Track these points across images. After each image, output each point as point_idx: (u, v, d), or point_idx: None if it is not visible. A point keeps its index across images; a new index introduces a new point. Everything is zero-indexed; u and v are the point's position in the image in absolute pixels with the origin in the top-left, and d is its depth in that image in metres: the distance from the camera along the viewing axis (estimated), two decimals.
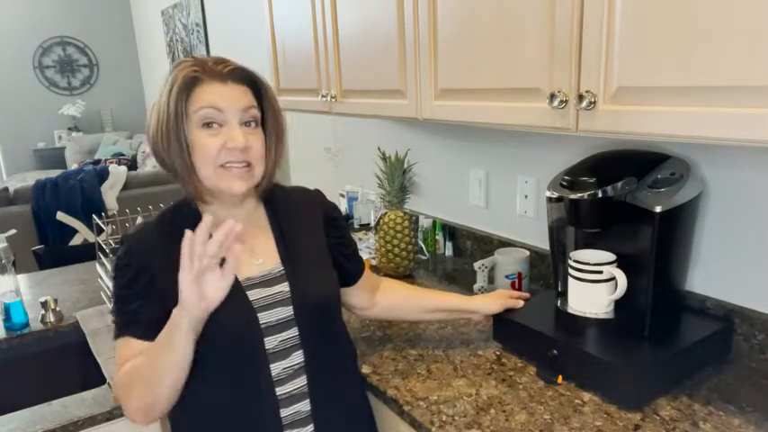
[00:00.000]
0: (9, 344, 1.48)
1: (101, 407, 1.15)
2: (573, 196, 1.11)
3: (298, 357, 0.99)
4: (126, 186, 3.95)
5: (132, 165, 5.51)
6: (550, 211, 1.25)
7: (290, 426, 0.98)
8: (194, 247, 0.83)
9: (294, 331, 0.99)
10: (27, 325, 1.52)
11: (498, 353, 1.23)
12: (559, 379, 1.10)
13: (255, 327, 0.96)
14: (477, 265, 1.53)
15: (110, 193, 3.86)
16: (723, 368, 1.12)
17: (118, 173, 3.97)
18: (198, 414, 0.98)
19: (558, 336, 1.12)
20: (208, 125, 0.93)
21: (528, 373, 1.14)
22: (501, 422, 0.99)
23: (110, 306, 1.55)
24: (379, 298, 1.24)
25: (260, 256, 1.02)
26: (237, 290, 0.96)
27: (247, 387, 0.97)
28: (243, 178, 0.95)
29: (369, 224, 2.12)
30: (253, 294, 0.98)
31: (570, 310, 1.17)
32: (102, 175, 3.90)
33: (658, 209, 1.06)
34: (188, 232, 0.84)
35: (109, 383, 1.22)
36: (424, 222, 1.90)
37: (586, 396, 1.05)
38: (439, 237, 1.89)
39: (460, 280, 1.67)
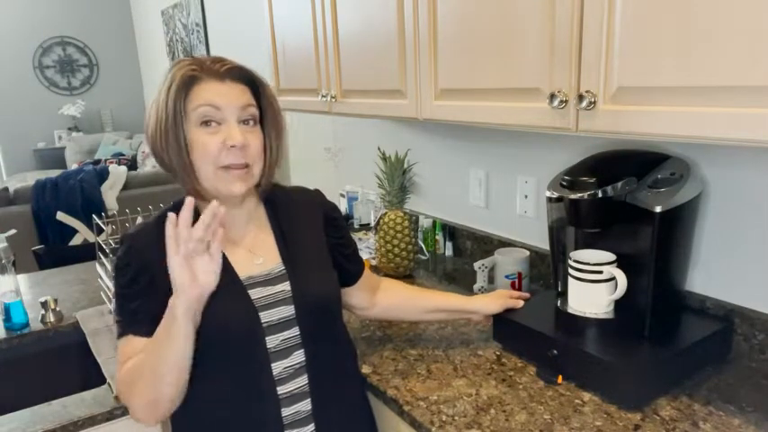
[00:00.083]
0: (9, 344, 1.48)
1: (101, 407, 1.15)
2: (573, 196, 1.11)
3: (299, 357, 0.99)
4: (126, 186, 3.95)
5: (132, 165, 5.51)
6: (550, 211, 1.25)
7: (290, 425, 0.98)
8: (180, 231, 0.85)
9: (295, 330, 0.99)
10: (27, 325, 1.52)
11: (498, 353, 1.23)
12: (559, 379, 1.10)
13: (257, 326, 0.96)
14: (477, 265, 1.53)
15: (110, 193, 3.86)
16: (723, 368, 1.12)
17: (118, 173, 3.97)
18: (199, 413, 0.98)
19: (558, 336, 1.12)
20: (206, 123, 0.93)
21: (528, 373, 1.14)
22: (501, 422, 0.99)
23: (110, 306, 1.55)
24: (379, 298, 1.24)
25: (261, 255, 1.02)
26: (239, 289, 0.97)
27: (248, 386, 0.97)
28: (242, 179, 0.95)
29: (369, 224, 2.12)
30: (254, 293, 0.98)
31: (570, 310, 1.17)
32: (102, 175, 3.90)
33: (658, 209, 1.06)
34: (171, 215, 0.85)
35: (109, 383, 1.22)
36: (424, 222, 1.90)
37: (586, 396, 1.05)
38: (439, 237, 1.89)
39: (460, 280, 1.66)
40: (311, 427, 1.00)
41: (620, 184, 1.09)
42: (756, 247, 1.12)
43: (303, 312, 1.00)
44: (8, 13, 5.90)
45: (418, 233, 1.86)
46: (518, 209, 1.64)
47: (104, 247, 1.55)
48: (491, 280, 1.54)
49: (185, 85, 0.92)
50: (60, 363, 1.53)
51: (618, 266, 1.11)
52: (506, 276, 1.47)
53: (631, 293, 1.09)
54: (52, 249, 2.48)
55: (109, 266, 1.54)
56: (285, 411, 0.98)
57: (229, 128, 0.93)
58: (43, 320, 1.53)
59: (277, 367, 0.97)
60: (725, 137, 0.77)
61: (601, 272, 1.11)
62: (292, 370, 0.99)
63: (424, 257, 1.85)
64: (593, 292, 1.13)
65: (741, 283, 1.15)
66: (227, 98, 0.93)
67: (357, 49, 1.55)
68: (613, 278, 1.10)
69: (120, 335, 0.95)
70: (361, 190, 2.21)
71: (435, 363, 1.20)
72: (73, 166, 5.06)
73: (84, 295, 1.73)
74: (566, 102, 0.97)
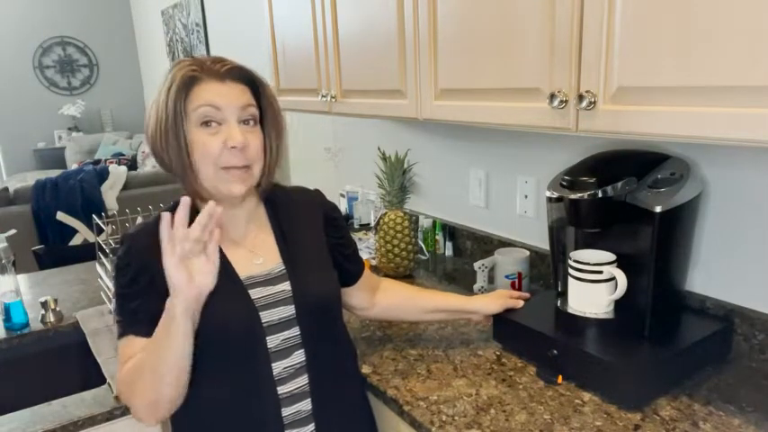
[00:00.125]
0: (9, 344, 1.48)
1: (101, 407, 1.15)
2: (573, 196, 1.11)
3: (299, 356, 0.99)
4: (126, 186, 3.95)
5: (132, 165, 5.51)
6: (550, 211, 1.25)
7: (290, 425, 0.98)
8: (176, 231, 0.84)
9: (295, 330, 0.99)
10: (27, 325, 1.52)
11: (498, 353, 1.23)
12: (559, 379, 1.10)
13: (257, 325, 0.96)
14: (477, 265, 1.53)
15: (110, 193, 3.86)
16: (723, 368, 1.12)
17: (118, 173, 3.97)
18: (199, 413, 0.98)
19: (558, 336, 1.12)
20: (206, 123, 0.93)
21: (528, 373, 1.14)
22: (501, 422, 0.99)
23: (110, 306, 1.55)
24: (379, 298, 1.24)
25: (261, 255, 1.02)
26: (239, 289, 0.97)
27: (249, 386, 0.97)
28: (242, 180, 0.95)
29: (369, 224, 2.12)
30: (254, 293, 0.98)
31: (570, 310, 1.17)
32: (102, 175, 3.90)
33: (658, 209, 1.06)
34: (165, 215, 0.85)
35: (109, 383, 1.22)
36: (424, 222, 1.90)
37: (586, 396, 1.05)
38: (439, 237, 1.89)
39: (460, 280, 1.66)
40: (311, 426, 1.00)
41: (620, 184, 1.09)
42: (756, 247, 1.12)
43: (303, 312, 1.00)
44: (8, 13, 5.90)
45: (418, 233, 1.86)
46: (518, 209, 1.64)
47: (104, 247, 1.55)
48: (491, 280, 1.54)
49: (185, 86, 0.92)
50: (60, 363, 1.53)
51: (618, 266, 1.11)
52: (506, 276, 1.47)
53: (631, 293, 1.09)
54: (52, 249, 2.48)
55: (109, 266, 1.54)
56: (285, 411, 0.98)
57: (230, 128, 0.93)
58: (43, 320, 1.53)
59: (277, 367, 0.97)
60: (725, 137, 0.77)
61: (601, 272, 1.11)
62: (293, 370, 0.99)
63: (424, 257, 1.85)
64: (593, 292, 1.13)
65: (741, 283, 1.15)
66: (227, 98, 0.93)
67: (357, 49, 1.55)
68: (613, 278, 1.10)
69: (121, 335, 0.95)
70: (361, 190, 2.21)
71: (435, 363, 1.20)
72: (73, 166, 5.06)
73: (84, 295, 1.73)
74: (566, 102, 0.97)
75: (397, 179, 1.67)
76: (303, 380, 0.99)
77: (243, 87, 0.96)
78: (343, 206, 2.24)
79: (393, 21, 1.37)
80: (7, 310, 1.49)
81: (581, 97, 0.93)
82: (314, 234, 1.09)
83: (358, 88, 1.59)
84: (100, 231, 1.64)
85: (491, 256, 1.53)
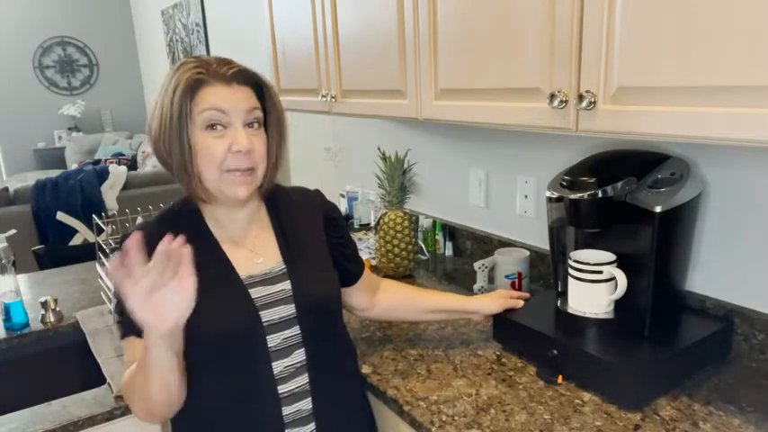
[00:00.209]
0: (9, 344, 1.48)
1: (101, 407, 1.15)
2: (573, 196, 1.11)
3: (299, 356, 0.99)
4: (126, 186, 3.95)
5: (132, 165, 5.51)
6: (550, 211, 1.25)
7: (291, 424, 0.98)
8: (131, 270, 0.75)
9: (296, 329, 0.99)
10: (27, 325, 1.52)
11: (498, 353, 1.23)
12: (559, 379, 1.10)
13: (258, 325, 0.96)
14: (477, 265, 1.53)
15: (110, 193, 3.86)
16: (723, 368, 1.12)
17: (118, 173, 3.97)
18: (199, 412, 0.98)
19: (558, 336, 1.12)
20: (212, 127, 0.92)
21: (528, 373, 1.14)
22: (501, 422, 0.99)
23: (110, 306, 1.55)
24: (379, 298, 1.24)
25: (261, 254, 1.02)
26: (239, 288, 0.97)
27: (249, 385, 0.97)
28: (246, 183, 0.95)
29: (369, 224, 2.12)
30: (255, 293, 0.98)
31: (570, 310, 1.17)
32: (102, 175, 3.90)
33: (658, 209, 1.06)
34: (116, 258, 0.75)
35: (109, 383, 1.22)
36: (424, 222, 1.90)
37: (586, 396, 1.05)
38: (439, 237, 1.89)
39: (460, 280, 1.66)
40: (312, 426, 1.00)
41: (620, 184, 1.09)
42: (756, 247, 1.12)
43: (304, 311, 1.00)
44: (8, 13, 5.90)
45: (418, 233, 1.86)
46: (518, 209, 1.64)
47: (104, 247, 1.55)
48: (491, 280, 1.54)
49: (191, 88, 0.91)
50: (60, 363, 1.53)
51: (618, 266, 1.11)
52: (506, 276, 1.47)
53: (631, 293, 1.09)
54: (52, 249, 2.48)
55: (109, 266, 1.54)
56: (286, 410, 0.98)
57: (235, 132, 0.93)
58: (43, 320, 1.53)
59: (278, 366, 0.97)
60: (725, 137, 0.77)
61: (601, 272, 1.11)
62: (293, 369, 0.99)
63: (424, 257, 1.85)
64: (593, 292, 1.13)
65: (741, 283, 1.15)
66: (233, 102, 0.93)
67: (357, 49, 1.55)
68: (613, 278, 1.10)
69: (123, 336, 0.96)
70: (361, 190, 2.21)
71: (435, 363, 1.20)
72: (73, 166, 5.06)
73: (84, 295, 1.73)
74: (566, 102, 0.97)
75: (397, 179, 1.67)
76: (303, 379, 1.00)
77: (248, 91, 0.96)
78: (343, 206, 2.24)
79: (393, 21, 1.37)
80: (7, 310, 1.49)
81: (581, 97, 0.93)
82: (314, 234, 1.09)
83: (358, 88, 1.59)
84: (100, 231, 1.64)
85: (491, 256, 1.53)
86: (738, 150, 1.11)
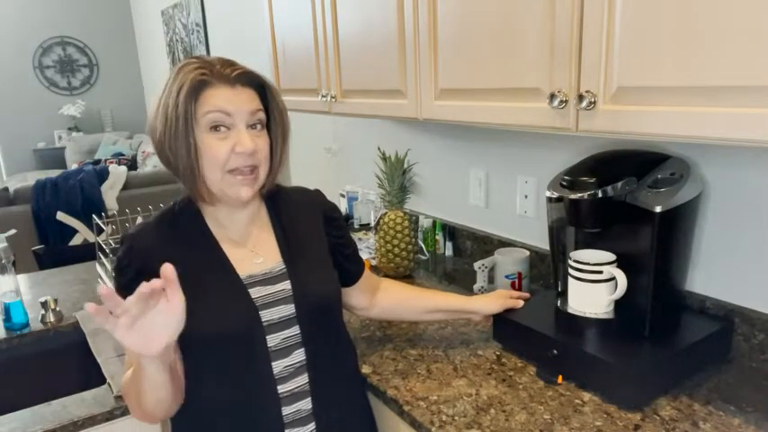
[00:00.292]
0: (9, 344, 1.48)
1: (101, 407, 1.15)
2: (573, 196, 1.11)
3: (299, 356, 0.99)
4: (126, 186, 3.95)
5: (132, 165, 5.51)
6: (550, 211, 1.25)
7: (291, 424, 0.98)
8: (110, 308, 0.74)
9: (296, 329, 0.99)
10: (27, 325, 1.52)
11: (498, 353, 1.23)
12: (559, 379, 1.10)
13: (257, 324, 0.96)
14: (477, 265, 1.53)
15: (110, 193, 3.86)
16: (723, 368, 1.12)
17: (118, 173, 3.97)
18: (199, 412, 0.98)
19: (558, 336, 1.12)
20: (215, 128, 0.92)
21: (528, 373, 1.14)
22: (501, 422, 0.99)
23: None
24: (379, 298, 1.24)
25: (261, 254, 1.02)
26: (239, 288, 0.97)
27: (249, 385, 0.97)
28: (249, 185, 0.95)
29: (369, 224, 2.12)
30: (255, 292, 0.98)
31: (570, 310, 1.17)
32: (102, 175, 3.90)
33: (658, 209, 1.06)
34: (89, 306, 0.72)
35: (109, 383, 1.22)
36: (424, 222, 1.90)
37: (586, 396, 1.05)
38: (439, 237, 1.89)
39: (460, 280, 1.66)
40: (311, 426, 1.00)
41: (620, 184, 1.09)
42: (756, 247, 1.12)
43: (304, 311, 1.00)
44: (8, 13, 5.90)
45: (418, 233, 1.86)
46: (518, 209, 1.64)
47: (104, 247, 1.55)
48: (491, 280, 1.54)
49: (195, 90, 0.91)
50: (60, 363, 1.53)
51: (618, 266, 1.11)
52: (506, 276, 1.47)
53: (631, 293, 1.09)
54: (52, 249, 2.48)
55: (109, 266, 1.54)
56: (285, 410, 0.98)
57: (239, 133, 0.93)
58: (43, 320, 1.53)
59: (277, 366, 0.97)
60: (725, 137, 0.77)
61: (601, 272, 1.11)
62: (293, 369, 0.99)
63: (424, 257, 1.85)
64: (593, 292, 1.13)
65: (741, 283, 1.15)
66: (237, 104, 0.93)
67: (357, 49, 1.55)
68: (613, 278, 1.10)
69: None
70: (361, 190, 2.21)
71: (435, 363, 1.20)
72: (73, 166, 5.06)
73: (84, 295, 1.73)
74: (566, 102, 0.97)
75: (397, 179, 1.67)
76: (303, 379, 1.00)
77: (252, 92, 0.96)
78: (343, 206, 2.24)
79: (393, 21, 1.37)
80: (7, 310, 1.49)
81: (581, 97, 0.93)
82: (314, 234, 1.09)
83: (358, 88, 1.59)
84: (100, 231, 1.64)
85: (491, 256, 1.53)
86: (738, 150, 1.11)
